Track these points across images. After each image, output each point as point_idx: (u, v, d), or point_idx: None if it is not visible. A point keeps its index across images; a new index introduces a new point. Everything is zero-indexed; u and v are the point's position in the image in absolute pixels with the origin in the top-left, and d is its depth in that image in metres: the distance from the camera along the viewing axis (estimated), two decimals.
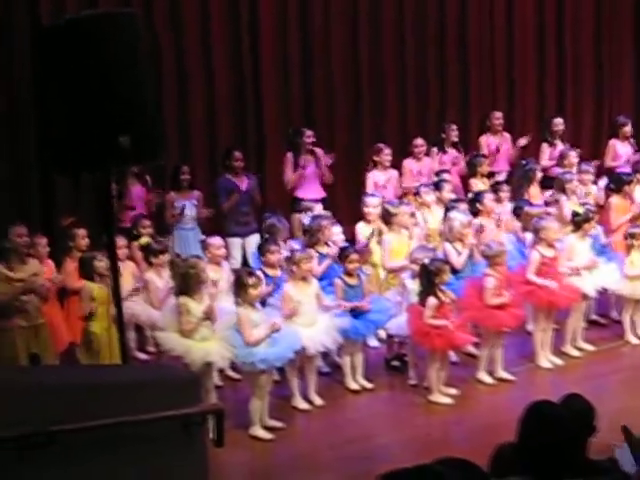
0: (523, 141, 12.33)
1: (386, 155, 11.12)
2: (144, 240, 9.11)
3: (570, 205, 10.22)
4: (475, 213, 9.74)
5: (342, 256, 8.66)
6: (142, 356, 9.38)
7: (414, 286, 8.48)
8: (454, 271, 8.78)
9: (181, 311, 7.73)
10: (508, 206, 10.30)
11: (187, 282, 7.82)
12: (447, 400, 8.38)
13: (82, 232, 8.88)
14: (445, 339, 8.30)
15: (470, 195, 10.55)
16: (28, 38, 10.03)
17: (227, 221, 10.61)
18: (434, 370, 8.41)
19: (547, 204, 10.32)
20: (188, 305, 7.74)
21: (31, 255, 8.22)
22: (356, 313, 8.54)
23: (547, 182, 11.21)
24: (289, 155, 11.11)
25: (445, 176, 10.84)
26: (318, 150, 11.13)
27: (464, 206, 9.74)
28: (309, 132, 11.12)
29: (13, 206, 10.47)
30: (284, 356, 7.94)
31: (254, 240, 10.18)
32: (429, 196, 10.18)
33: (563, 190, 10.56)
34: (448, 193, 10.31)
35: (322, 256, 8.90)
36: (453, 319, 8.34)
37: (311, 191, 11.02)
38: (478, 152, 11.92)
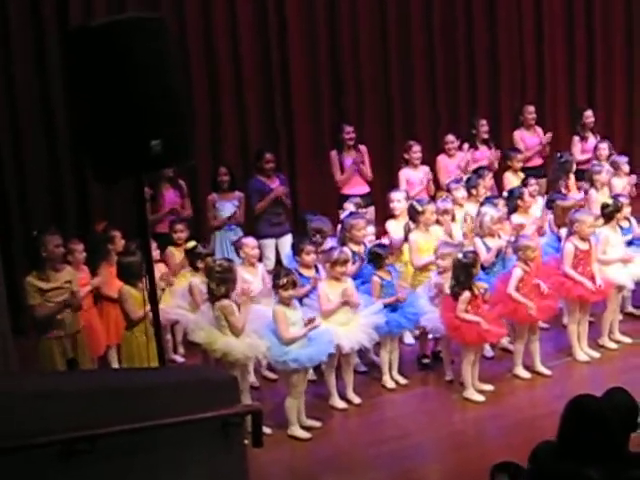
0: (545, 139, 12.20)
1: (415, 152, 11.10)
2: (191, 244, 9.14)
3: (600, 197, 10.17)
4: (514, 209, 9.70)
5: (377, 258, 8.66)
6: (179, 359, 9.43)
7: (442, 281, 8.50)
8: (483, 267, 8.76)
9: (229, 311, 7.76)
10: (540, 201, 10.26)
11: (227, 284, 7.85)
12: (479, 397, 8.37)
13: (118, 233, 8.93)
14: (476, 334, 8.29)
15: (505, 192, 10.46)
16: (59, 44, 10.11)
17: (260, 222, 10.62)
18: (469, 365, 8.40)
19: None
20: (233, 306, 7.80)
21: (68, 262, 8.26)
22: (394, 307, 8.56)
23: (579, 175, 11.15)
24: (333, 153, 11.16)
25: (484, 172, 10.72)
26: (362, 147, 11.16)
27: (500, 202, 9.70)
28: (348, 128, 11.16)
29: (47, 214, 10.55)
30: (316, 358, 7.96)
31: (287, 241, 10.21)
32: (459, 192, 10.14)
33: (592, 183, 10.53)
34: (482, 189, 10.26)
35: (355, 255, 8.89)
36: (486, 313, 8.33)
37: (356, 187, 11.06)
38: (512, 147, 11.84)
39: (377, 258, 8.68)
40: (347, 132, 11.12)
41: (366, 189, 11.16)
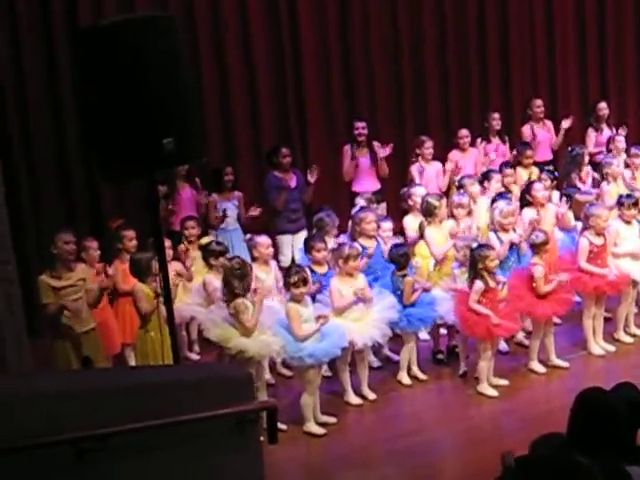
0: (566, 124, 12.16)
1: (427, 148, 11.08)
2: (205, 240, 9.13)
3: (614, 189, 10.13)
4: (526, 204, 9.68)
5: (400, 260, 8.66)
6: (193, 356, 9.44)
7: (462, 274, 8.50)
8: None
9: (241, 310, 7.76)
10: (555, 195, 10.22)
11: (245, 281, 7.85)
12: (493, 392, 8.36)
13: (130, 234, 8.92)
14: (485, 328, 8.28)
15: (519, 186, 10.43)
16: (69, 44, 10.13)
17: (278, 218, 10.61)
18: (485, 361, 8.39)
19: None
20: (246, 303, 7.80)
21: (83, 260, 8.28)
22: (413, 303, 8.57)
23: (594, 168, 11.10)
24: (346, 147, 11.14)
25: (508, 170, 10.68)
26: (375, 143, 11.13)
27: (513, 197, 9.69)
28: (359, 124, 11.13)
29: (60, 212, 10.58)
30: (331, 352, 7.95)
31: (303, 236, 10.19)
32: (473, 187, 10.11)
33: (604, 175, 10.49)
34: (496, 184, 10.22)
35: (365, 249, 8.88)
36: (501, 307, 8.32)
37: (366, 184, 11.01)
38: (522, 141, 11.80)
39: (399, 259, 8.68)
40: (357, 127, 11.09)
41: (377, 186, 11.11)
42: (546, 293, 8.61)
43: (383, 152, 11.02)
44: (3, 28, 10.27)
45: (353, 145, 11.08)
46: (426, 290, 8.62)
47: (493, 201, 9.54)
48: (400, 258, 8.69)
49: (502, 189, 10.14)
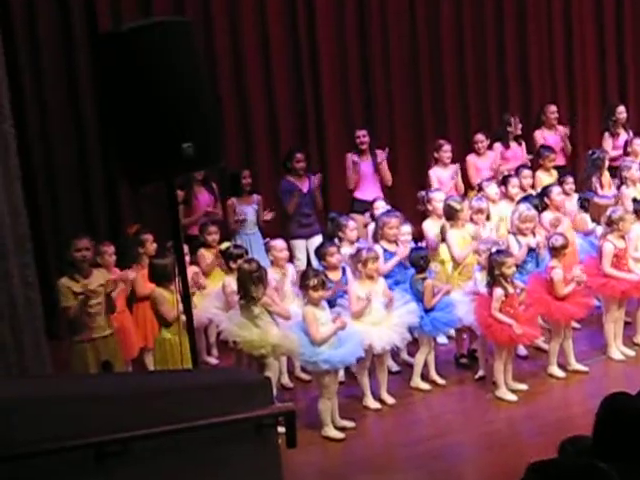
0: (564, 131, 12.08)
1: (445, 152, 11.05)
2: (224, 245, 9.16)
3: (632, 193, 10.10)
4: (544, 208, 9.64)
5: (420, 262, 8.64)
6: (212, 360, 9.45)
7: (482, 278, 8.49)
8: (516, 265, 8.70)
9: (269, 304, 7.83)
10: (575, 199, 10.19)
11: (262, 284, 7.87)
12: (512, 397, 8.33)
13: (150, 237, 8.97)
14: (507, 335, 8.25)
15: (538, 190, 10.40)
16: (88, 50, 10.17)
17: (290, 223, 10.63)
18: (501, 364, 8.36)
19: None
20: (273, 305, 7.86)
21: (98, 264, 8.30)
22: (432, 308, 8.54)
23: (611, 172, 11.05)
24: (349, 155, 11.13)
25: (525, 171, 10.65)
26: (378, 151, 11.11)
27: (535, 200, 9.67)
28: (359, 132, 11.11)
29: (80, 215, 10.62)
30: (347, 360, 7.97)
31: (317, 241, 10.18)
32: (492, 190, 10.09)
33: (622, 179, 10.45)
34: (513, 188, 10.19)
35: (387, 253, 8.88)
36: (521, 312, 8.29)
37: (368, 192, 10.93)
38: (544, 145, 11.73)
39: (419, 261, 8.66)
40: (357, 136, 11.07)
41: (379, 193, 10.93)
42: (566, 295, 8.58)
43: (380, 157, 11.00)
44: (23, 34, 10.31)
45: (356, 152, 11.05)
46: (447, 293, 8.60)
47: (518, 202, 9.53)
48: (420, 260, 8.68)
49: (520, 193, 10.12)
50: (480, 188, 10.31)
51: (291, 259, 9.51)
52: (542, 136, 12.00)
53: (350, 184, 11.08)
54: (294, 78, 11.90)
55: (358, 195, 11.00)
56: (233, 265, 8.63)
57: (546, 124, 12.12)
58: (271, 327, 7.81)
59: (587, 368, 8.79)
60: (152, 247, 8.88)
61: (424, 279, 8.63)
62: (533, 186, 10.65)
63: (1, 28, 6.73)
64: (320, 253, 8.73)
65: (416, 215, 10.33)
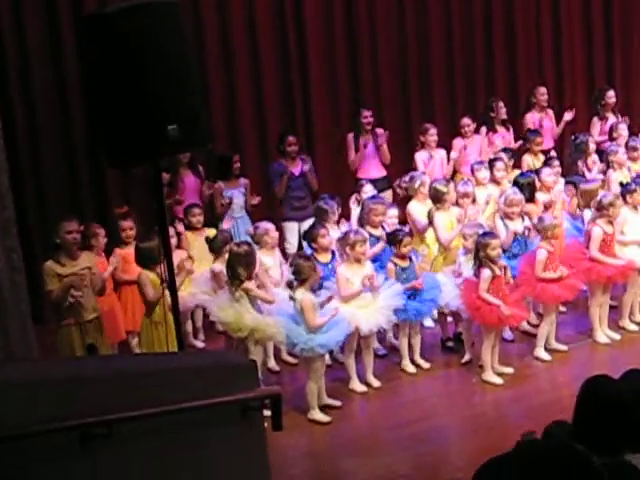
0: (568, 116, 12.14)
1: (431, 135, 11.07)
2: (211, 232, 9.14)
3: (619, 177, 10.11)
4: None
5: (395, 240, 8.63)
6: (199, 344, 9.45)
7: (467, 261, 8.49)
8: (503, 249, 8.70)
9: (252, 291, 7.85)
10: (562, 182, 10.20)
11: (251, 267, 7.87)
12: (498, 380, 8.36)
13: (128, 224, 8.92)
14: (496, 316, 8.27)
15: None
16: (73, 31, 10.10)
17: (283, 206, 10.63)
18: (488, 347, 8.39)
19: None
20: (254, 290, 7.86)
21: (87, 247, 8.28)
22: (411, 294, 8.53)
23: (599, 157, 11.04)
24: (350, 136, 11.15)
25: (503, 155, 10.65)
26: (378, 130, 11.14)
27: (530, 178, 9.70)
28: (366, 112, 11.15)
29: (66, 198, 10.58)
30: (340, 339, 7.99)
31: (309, 224, 10.19)
32: (482, 173, 10.08)
33: (609, 163, 10.47)
34: (499, 172, 10.18)
35: (372, 238, 8.87)
36: (508, 293, 8.31)
37: (372, 171, 11.03)
38: (530, 128, 11.74)
39: (394, 239, 8.66)
40: (365, 116, 11.10)
41: (383, 172, 11.12)
42: (545, 279, 8.60)
43: (380, 139, 11.03)
44: (7, 16, 10.25)
45: (357, 133, 11.07)
46: (415, 288, 8.56)
47: (514, 183, 9.55)
48: (394, 238, 8.65)
49: (507, 176, 10.13)
50: (471, 170, 10.30)
51: (280, 242, 9.49)
52: (533, 119, 11.99)
53: (353, 165, 11.09)
54: (281, 61, 11.86)
55: (361, 174, 11.02)
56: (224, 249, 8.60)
57: (536, 106, 12.11)
58: (246, 311, 7.80)
59: (566, 347, 8.83)
60: (127, 234, 8.87)
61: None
62: (521, 170, 10.65)
63: None
64: (309, 235, 8.71)
65: (400, 198, 10.32)
